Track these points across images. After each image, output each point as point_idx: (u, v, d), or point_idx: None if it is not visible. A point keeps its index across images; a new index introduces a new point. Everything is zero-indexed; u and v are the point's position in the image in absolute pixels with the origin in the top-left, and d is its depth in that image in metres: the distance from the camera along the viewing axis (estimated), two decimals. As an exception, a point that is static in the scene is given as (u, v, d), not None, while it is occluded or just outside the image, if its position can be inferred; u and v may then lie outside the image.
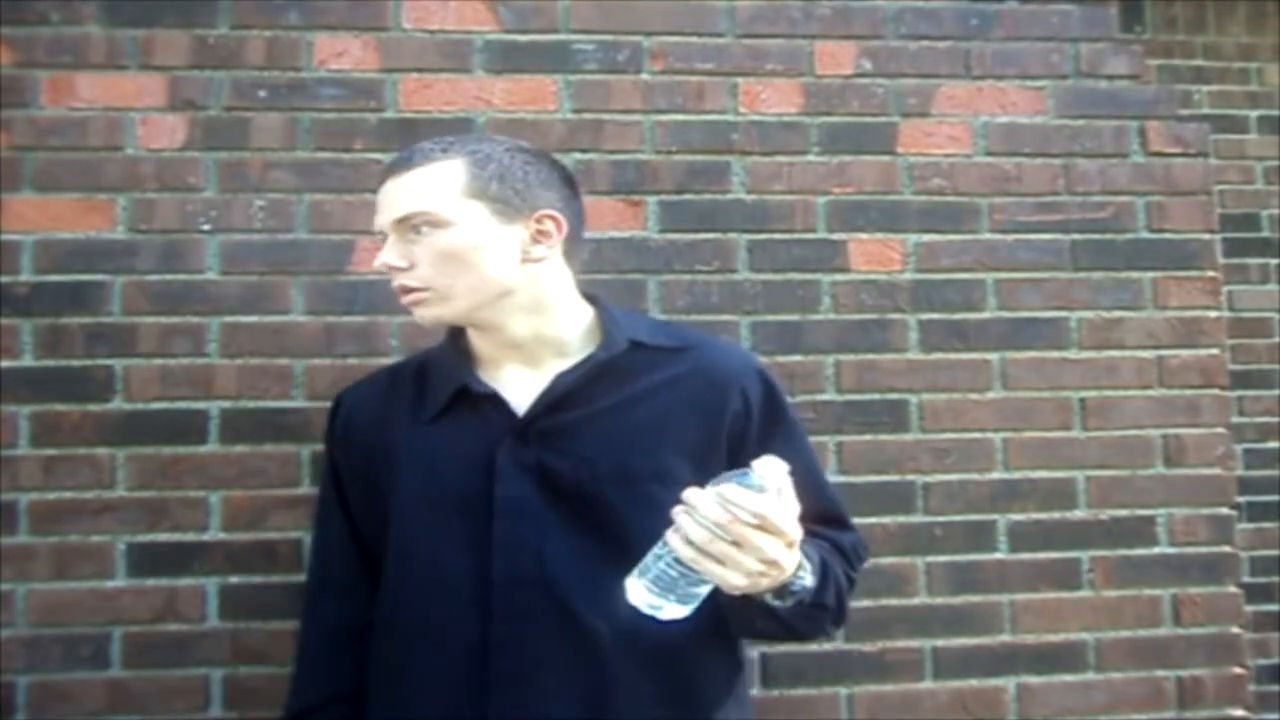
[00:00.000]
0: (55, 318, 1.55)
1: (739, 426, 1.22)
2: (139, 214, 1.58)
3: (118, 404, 1.55)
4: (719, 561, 1.00)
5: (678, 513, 1.01)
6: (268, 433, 1.56)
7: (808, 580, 1.10)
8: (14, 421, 1.53)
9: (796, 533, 1.03)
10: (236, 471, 1.55)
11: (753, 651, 1.58)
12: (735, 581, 1.01)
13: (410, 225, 1.16)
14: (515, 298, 1.19)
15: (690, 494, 1.01)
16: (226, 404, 1.56)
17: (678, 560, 1.00)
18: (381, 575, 1.24)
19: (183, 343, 1.57)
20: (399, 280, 1.18)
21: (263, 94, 1.62)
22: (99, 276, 1.56)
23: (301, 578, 1.48)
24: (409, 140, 1.60)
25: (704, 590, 1.04)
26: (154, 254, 1.58)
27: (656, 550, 1.02)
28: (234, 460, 1.55)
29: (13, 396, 1.53)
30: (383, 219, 1.19)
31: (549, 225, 1.20)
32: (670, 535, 1.01)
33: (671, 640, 1.12)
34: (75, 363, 1.55)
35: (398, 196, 1.17)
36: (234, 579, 1.53)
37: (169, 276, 1.58)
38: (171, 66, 1.61)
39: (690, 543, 0.99)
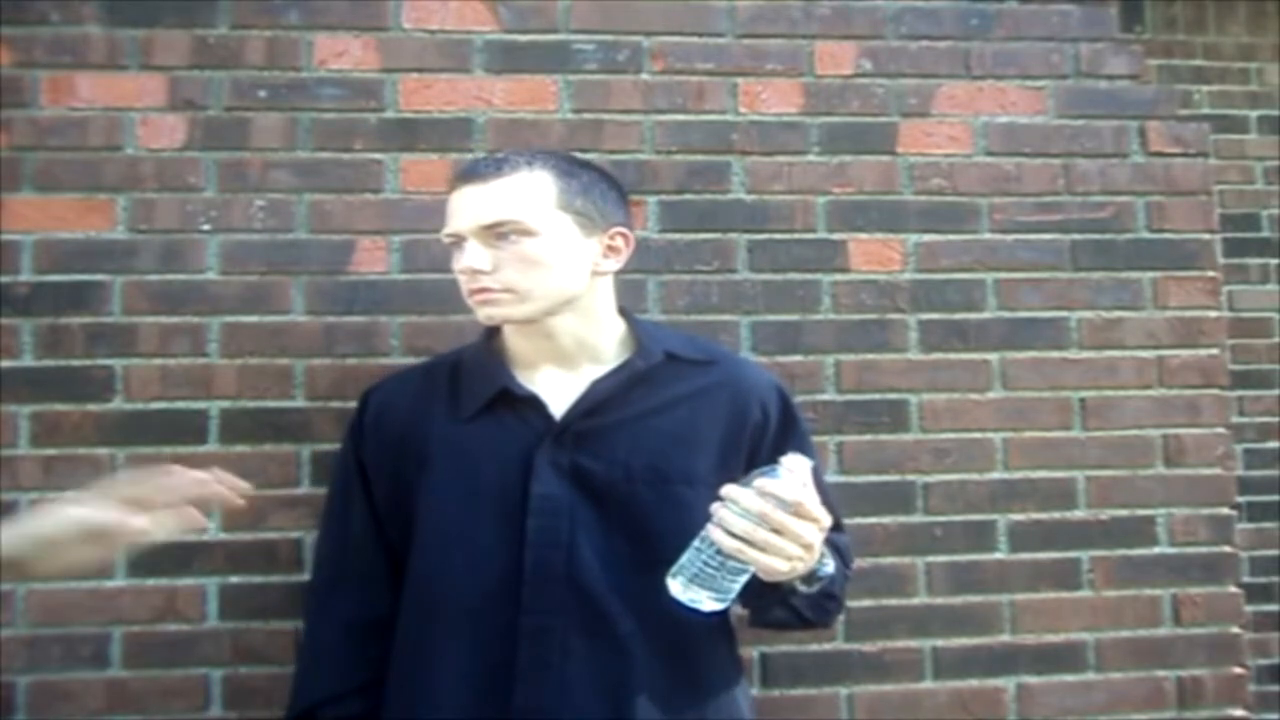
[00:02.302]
0: (55, 318, 1.55)
1: (758, 435, 1.30)
2: (139, 214, 1.58)
3: (118, 404, 1.55)
4: (762, 549, 1.06)
5: (717, 508, 1.08)
6: (268, 433, 1.56)
7: (831, 566, 1.19)
8: (14, 421, 1.53)
9: (827, 519, 1.11)
10: (236, 471, 1.51)
11: (753, 651, 1.58)
12: (778, 567, 1.08)
13: (497, 232, 1.21)
14: (575, 305, 1.25)
15: (729, 489, 1.08)
16: (226, 404, 1.56)
17: (718, 554, 1.07)
18: (407, 568, 1.27)
19: (183, 343, 1.57)
20: (480, 283, 1.21)
21: (263, 94, 1.61)
22: (99, 276, 1.56)
23: (302, 577, 1.48)
24: (409, 140, 1.62)
25: (740, 582, 1.10)
26: (154, 254, 1.58)
27: (696, 546, 1.09)
28: (234, 460, 1.55)
29: (13, 396, 1.53)
30: (463, 223, 1.22)
31: (619, 241, 1.28)
32: (711, 530, 1.07)
33: (690, 638, 1.21)
34: (75, 363, 1.55)
35: (485, 202, 1.21)
36: (234, 579, 1.53)
37: (169, 276, 1.58)
38: (171, 66, 1.60)
39: (733, 534, 1.06)
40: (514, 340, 1.30)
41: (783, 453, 1.13)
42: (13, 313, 1.54)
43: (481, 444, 1.25)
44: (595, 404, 1.25)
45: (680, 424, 1.27)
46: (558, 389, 1.27)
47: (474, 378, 1.30)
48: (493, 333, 1.32)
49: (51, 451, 1.53)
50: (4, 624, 1.50)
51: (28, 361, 1.54)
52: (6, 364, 1.54)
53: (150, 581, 1.53)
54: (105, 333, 1.56)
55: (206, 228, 1.59)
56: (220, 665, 1.52)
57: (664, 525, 1.20)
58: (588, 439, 1.24)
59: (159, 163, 1.59)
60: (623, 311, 1.33)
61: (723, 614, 1.20)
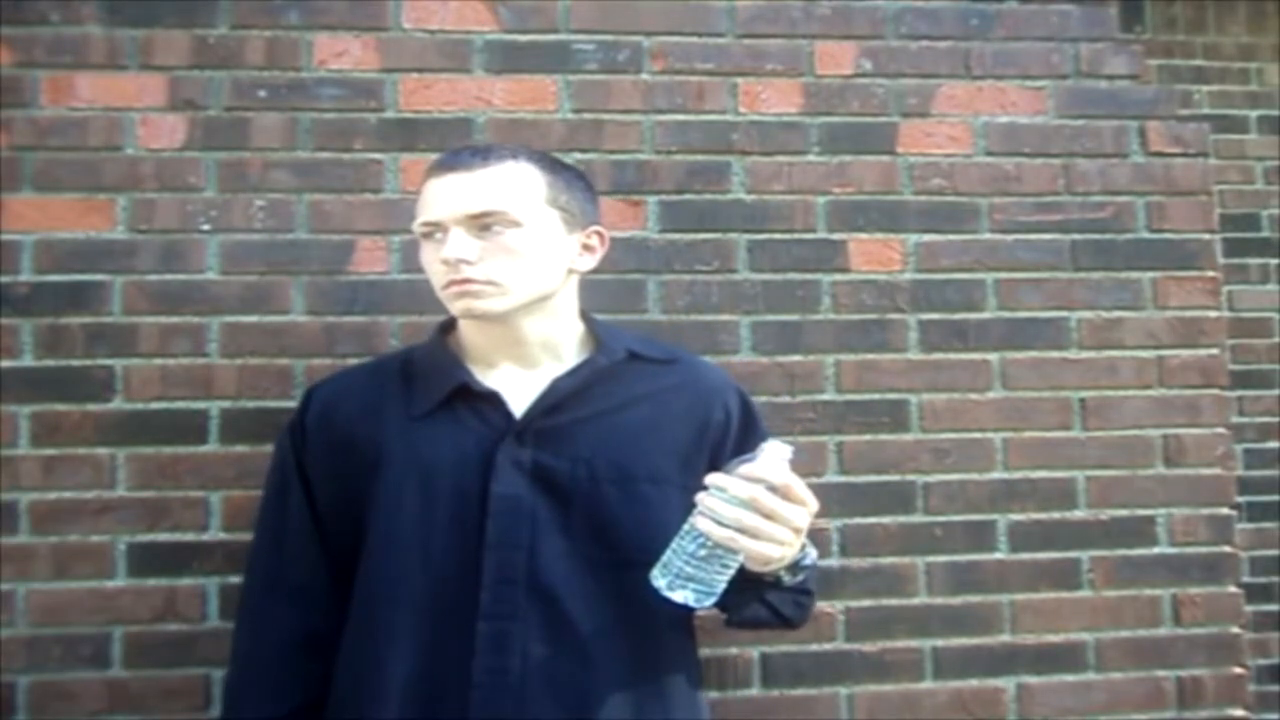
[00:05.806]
0: (55, 318, 1.55)
1: (719, 436, 1.28)
2: (139, 214, 1.58)
3: (118, 404, 1.55)
4: (754, 536, 1.04)
5: (703, 498, 1.05)
6: (268, 433, 1.55)
7: (813, 555, 1.17)
8: (14, 421, 1.53)
9: (814, 502, 1.09)
10: (236, 471, 1.55)
11: (753, 651, 1.59)
12: (770, 554, 1.06)
13: (482, 222, 1.17)
14: (546, 303, 1.23)
15: (715, 478, 1.06)
16: (226, 404, 1.56)
17: (704, 545, 1.05)
18: (358, 572, 1.22)
19: (183, 343, 1.57)
20: (463, 273, 1.17)
21: (263, 94, 1.62)
22: (99, 276, 1.56)
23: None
24: (409, 140, 1.62)
25: (728, 575, 1.08)
26: (154, 254, 1.58)
27: (680, 540, 1.07)
28: (234, 460, 1.55)
29: (13, 396, 1.53)
30: (446, 211, 1.18)
31: (595, 241, 1.27)
32: (699, 520, 1.05)
33: (656, 639, 1.19)
34: (75, 363, 1.55)
35: (472, 192, 1.17)
36: (234, 579, 1.53)
37: (169, 276, 1.58)
38: (171, 66, 1.61)
39: (722, 524, 1.04)
40: (473, 336, 1.26)
41: (745, 453, 1.10)
42: (13, 313, 1.55)
43: (438, 443, 1.20)
44: (557, 401, 1.22)
45: (644, 422, 1.24)
46: (517, 386, 1.23)
47: (429, 374, 1.25)
48: (447, 329, 1.30)
49: (51, 451, 1.53)
50: (4, 624, 1.50)
51: (28, 361, 1.54)
52: (6, 364, 1.54)
53: (150, 581, 1.53)
54: (105, 333, 1.56)
55: (206, 228, 1.59)
56: (220, 665, 1.51)
57: (629, 524, 1.18)
58: (550, 437, 1.20)
59: (159, 163, 1.59)
60: (582, 313, 1.31)
61: (688, 614, 1.19)
